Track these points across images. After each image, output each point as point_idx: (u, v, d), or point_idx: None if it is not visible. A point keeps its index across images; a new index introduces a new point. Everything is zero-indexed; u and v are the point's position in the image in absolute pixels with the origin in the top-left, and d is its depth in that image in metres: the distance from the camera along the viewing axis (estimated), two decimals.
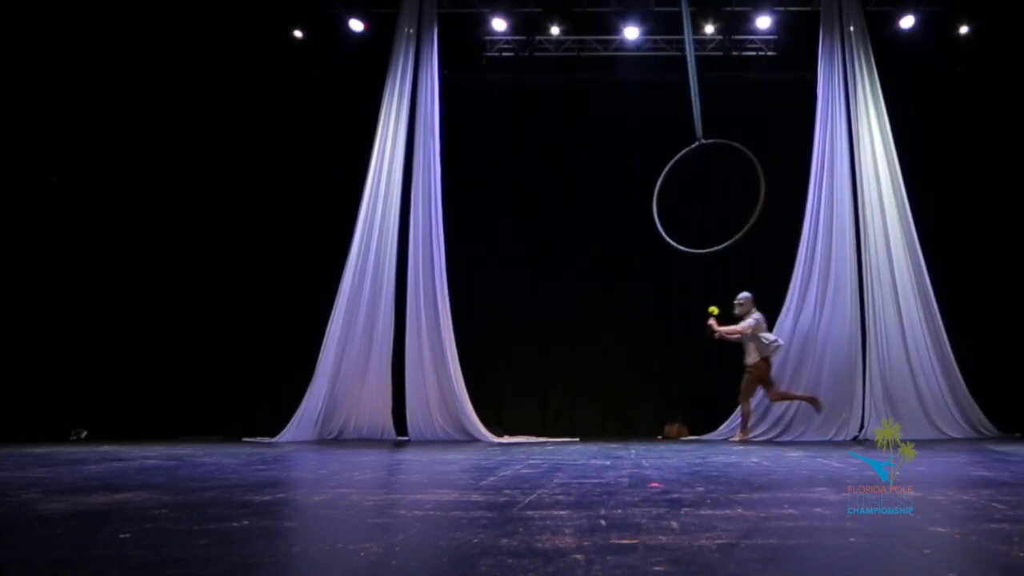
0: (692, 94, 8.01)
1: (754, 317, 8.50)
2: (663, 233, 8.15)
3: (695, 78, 7.99)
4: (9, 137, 8.03)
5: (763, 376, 8.38)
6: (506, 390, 10.31)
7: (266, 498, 3.12)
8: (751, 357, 8.37)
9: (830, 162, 9.42)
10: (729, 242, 8.06)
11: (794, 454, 6.04)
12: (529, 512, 2.56)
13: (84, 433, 8.66)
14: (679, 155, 8.28)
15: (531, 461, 5.22)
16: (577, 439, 9.19)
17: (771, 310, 9.34)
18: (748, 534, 2.13)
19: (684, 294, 10.45)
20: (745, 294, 8.65)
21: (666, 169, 8.31)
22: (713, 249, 8.26)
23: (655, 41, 10.49)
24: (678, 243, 8.26)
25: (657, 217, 8.12)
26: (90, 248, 8.98)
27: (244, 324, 10.40)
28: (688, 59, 8.01)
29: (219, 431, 9.84)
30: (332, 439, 9.03)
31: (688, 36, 8.08)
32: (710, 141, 8.16)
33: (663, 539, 2.04)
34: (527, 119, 10.65)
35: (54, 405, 8.53)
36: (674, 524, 2.30)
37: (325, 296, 9.26)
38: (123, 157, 9.23)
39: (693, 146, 8.25)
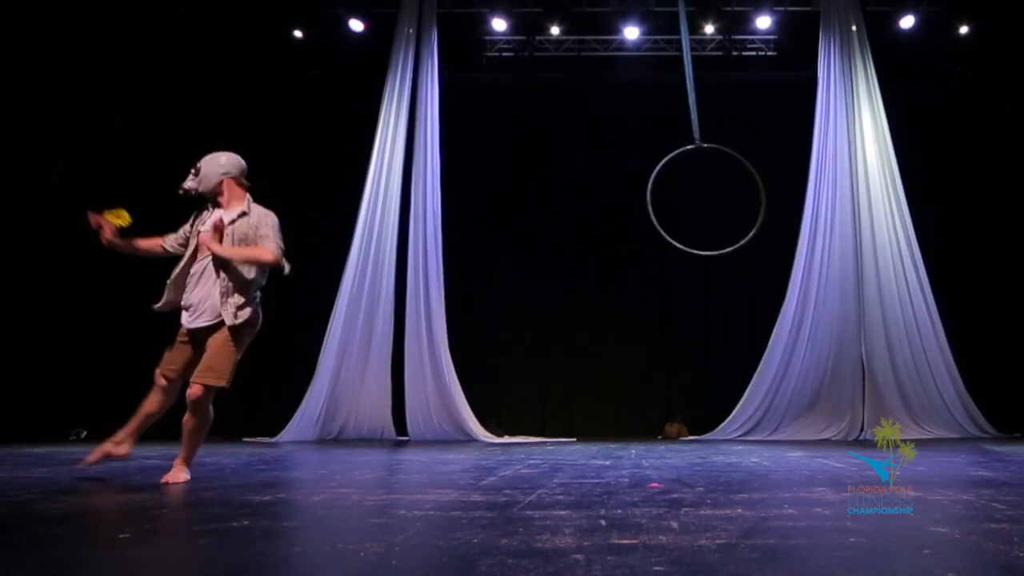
0: (690, 99, 8.16)
1: (267, 217, 4.19)
2: (660, 230, 8.45)
3: (692, 82, 8.16)
4: (9, 136, 8.03)
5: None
6: (506, 390, 10.30)
7: (266, 498, 3.12)
8: (237, 311, 4.12)
9: (830, 162, 9.41)
10: (729, 249, 8.45)
11: (794, 454, 6.04)
12: (529, 512, 2.56)
13: (84, 433, 8.65)
14: (673, 154, 8.53)
15: (531, 461, 5.21)
16: (577, 439, 9.19)
17: (772, 310, 9.34)
18: (748, 534, 2.13)
19: (684, 294, 10.46)
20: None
21: (658, 167, 8.54)
22: (713, 253, 8.62)
23: (655, 41, 10.49)
24: (678, 242, 8.45)
25: (653, 213, 8.39)
26: (89, 247, 8.96)
27: None
28: (685, 63, 8.15)
29: (219, 431, 9.81)
30: (332, 439, 9.02)
31: (685, 40, 8.17)
32: (709, 146, 8.42)
33: (663, 539, 2.04)
34: (527, 119, 10.64)
35: (54, 405, 8.52)
36: (674, 524, 2.30)
37: (325, 296, 9.26)
38: (122, 157, 9.22)
39: (690, 147, 8.44)
